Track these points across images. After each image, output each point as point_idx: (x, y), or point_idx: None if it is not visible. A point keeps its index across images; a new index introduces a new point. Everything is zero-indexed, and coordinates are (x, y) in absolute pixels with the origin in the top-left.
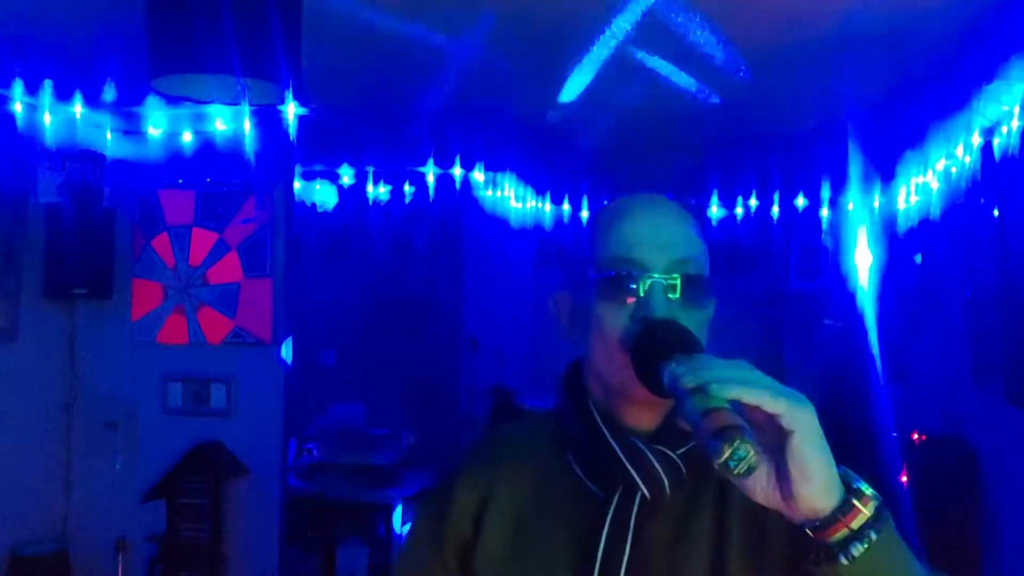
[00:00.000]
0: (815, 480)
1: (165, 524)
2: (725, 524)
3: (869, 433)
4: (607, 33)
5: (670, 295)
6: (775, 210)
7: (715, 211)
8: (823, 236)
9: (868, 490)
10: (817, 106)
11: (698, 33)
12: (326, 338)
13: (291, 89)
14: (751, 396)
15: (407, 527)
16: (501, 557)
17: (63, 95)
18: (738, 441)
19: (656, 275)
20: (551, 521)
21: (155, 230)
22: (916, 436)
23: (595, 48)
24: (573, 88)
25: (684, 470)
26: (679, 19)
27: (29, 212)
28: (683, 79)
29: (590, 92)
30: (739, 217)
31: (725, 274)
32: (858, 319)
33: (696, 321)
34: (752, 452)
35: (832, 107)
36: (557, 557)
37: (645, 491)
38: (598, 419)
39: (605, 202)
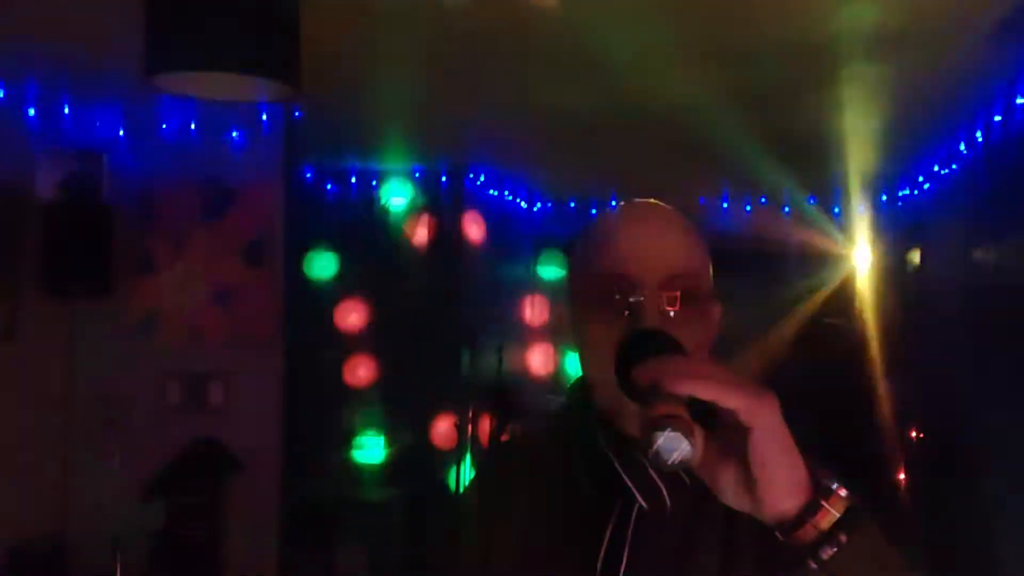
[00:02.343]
0: (777, 479)
1: (163, 522)
2: (735, 537)
3: (869, 431)
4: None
5: (669, 309)
6: (774, 208)
7: (715, 210)
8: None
9: (840, 490)
10: (818, 106)
11: None
12: (324, 336)
13: (292, 86)
14: (705, 390)
15: (407, 527)
16: (511, 566)
17: (62, 93)
18: (668, 429)
19: (648, 292)
20: (558, 533)
21: (154, 227)
22: (915, 434)
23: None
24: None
25: (688, 481)
26: None
27: (28, 210)
28: None
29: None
30: (739, 215)
31: (724, 274)
32: (859, 318)
33: (695, 333)
34: (685, 442)
35: (833, 107)
36: (562, 568)
37: (642, 502)
38: (597, 432)
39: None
